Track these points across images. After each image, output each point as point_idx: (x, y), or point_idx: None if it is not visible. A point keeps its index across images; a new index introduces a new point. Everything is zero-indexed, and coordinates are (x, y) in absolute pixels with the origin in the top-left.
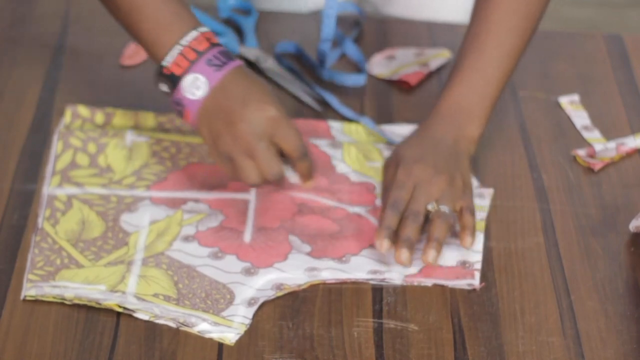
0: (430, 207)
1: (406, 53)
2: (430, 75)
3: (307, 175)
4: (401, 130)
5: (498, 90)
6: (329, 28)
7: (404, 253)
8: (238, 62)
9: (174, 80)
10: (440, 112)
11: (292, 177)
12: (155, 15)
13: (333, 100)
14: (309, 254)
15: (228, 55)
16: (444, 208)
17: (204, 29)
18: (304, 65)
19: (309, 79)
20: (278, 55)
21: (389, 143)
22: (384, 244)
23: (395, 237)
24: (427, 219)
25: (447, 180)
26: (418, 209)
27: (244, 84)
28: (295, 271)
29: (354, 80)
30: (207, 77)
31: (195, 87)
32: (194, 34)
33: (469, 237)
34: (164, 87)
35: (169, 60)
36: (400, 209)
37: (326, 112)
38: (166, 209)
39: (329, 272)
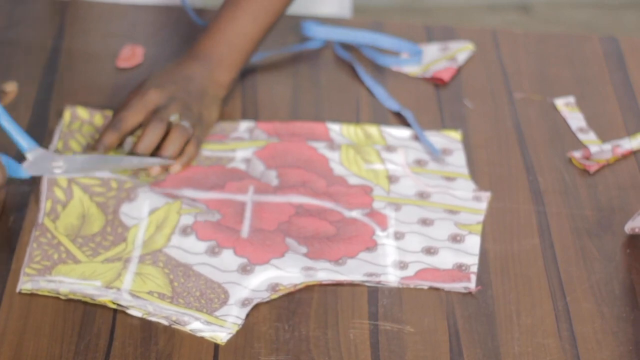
0: (172, 119)
1: (431, 48)
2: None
3: None
4: (400, 134)
5: (252, 43)
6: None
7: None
8: None
9: None
10: (192, 56)
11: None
12: None
13: (380, 92)
14: (305, 255)
15: None
16: (185, 123)
17: None
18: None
19: (365, 66)
20: (338, 45)
21: (389, 146)
22: (100, 145)
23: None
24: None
25: (182, 105)
26: (162, 117)
27: None
28: (292, 268)
29: (409, 62)
30: None
31: None
32: None
33: (178, 165)
34: None
35: None
36: (120, 129)
37: (322, 114)
38: (165, 197)
39: (325, 272)
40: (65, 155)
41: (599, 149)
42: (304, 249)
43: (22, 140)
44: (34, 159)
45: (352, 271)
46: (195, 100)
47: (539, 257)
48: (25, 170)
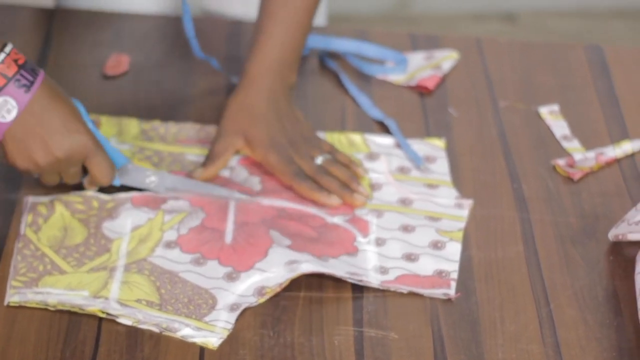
0: (320, 161)
1: (415, 57)
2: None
3: None
4: (383, 141)
5: (302, 41)
6: None
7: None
8: (42, 76)
9: None
10: (266, 65)
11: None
12: None
13: (364, 101)
14: (289, 247)
15: (34, 71)
16: (326, 156)
17: (8, 48)
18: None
19: (348, 76)
20: (323, 53)
21: (371, 153)
22: (334, 199)
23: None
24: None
25: (307, 153)
26: (314, 167)
27: (54, 107)
28: (276, 268)
29: (394, 71)
30: (17, 100)
31: (5, 110)
32: (1, 56)
33: (359, 186)
34: None
35: None
36: (304, 175)
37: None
38: (147, 210)
39: (309, 264)
40: (157, 171)
41: (582, 157)
42: (287, 241)
43: (116, 155)
44: (128, 170)
45: (334, 268)
46: (296, 125)
47: (522, 264)
48: (119, 179)
